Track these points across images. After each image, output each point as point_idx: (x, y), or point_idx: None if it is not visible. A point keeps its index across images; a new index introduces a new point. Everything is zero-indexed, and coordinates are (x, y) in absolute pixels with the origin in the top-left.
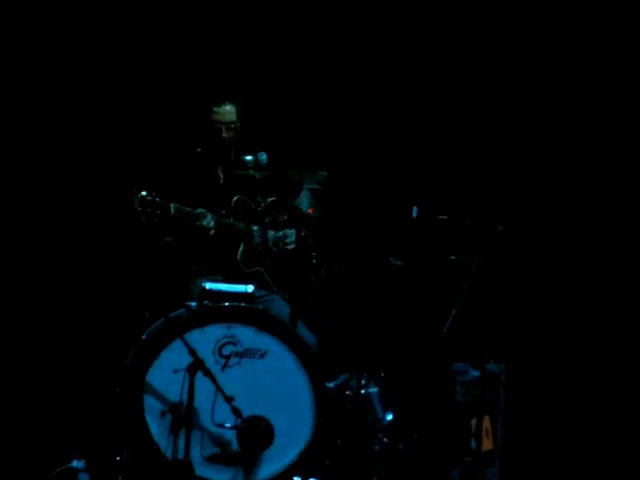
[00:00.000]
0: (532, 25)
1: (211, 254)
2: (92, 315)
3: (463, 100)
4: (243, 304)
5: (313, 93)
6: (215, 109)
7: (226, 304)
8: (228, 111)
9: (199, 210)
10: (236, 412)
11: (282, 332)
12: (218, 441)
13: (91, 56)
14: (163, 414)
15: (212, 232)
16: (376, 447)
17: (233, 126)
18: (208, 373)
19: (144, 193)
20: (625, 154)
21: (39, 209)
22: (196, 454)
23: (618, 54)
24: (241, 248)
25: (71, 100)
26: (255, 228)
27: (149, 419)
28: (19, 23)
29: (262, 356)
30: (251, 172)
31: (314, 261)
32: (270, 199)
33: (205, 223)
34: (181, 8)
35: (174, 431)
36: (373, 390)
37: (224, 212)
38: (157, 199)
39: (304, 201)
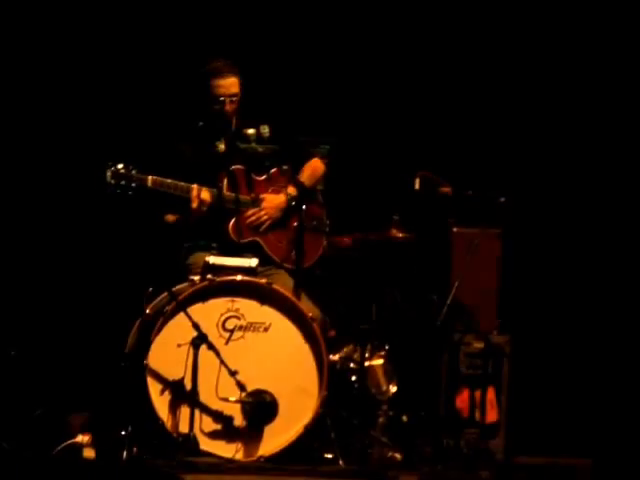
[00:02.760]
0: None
1: (204, 227)
2: (96, 290)
3: (468, 73)
4: (246, 277)
5: (315, 66)
6: (218, 82)
7: (229, 278)
8: (231, 83)
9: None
10: (240, 386)
11: (285, 305)
12: (222, 415)
13: (86, 28)
14: (167, 388)
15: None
16: (380, 419)
17: (235, 98)
18: (212, 347)
19: (120, 166)
20: (630, 132)
21: (35, 189)
22: (200, 428)
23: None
24: (233, 220)
25: (67, 79)
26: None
27: (153, 394)
28: None
29: (266, 329)
30: (253, 145)
31: (326, 230)
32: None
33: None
34: None
35: (178, 405)
36: (377, 362)
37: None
38: (134, 172)
39: None
